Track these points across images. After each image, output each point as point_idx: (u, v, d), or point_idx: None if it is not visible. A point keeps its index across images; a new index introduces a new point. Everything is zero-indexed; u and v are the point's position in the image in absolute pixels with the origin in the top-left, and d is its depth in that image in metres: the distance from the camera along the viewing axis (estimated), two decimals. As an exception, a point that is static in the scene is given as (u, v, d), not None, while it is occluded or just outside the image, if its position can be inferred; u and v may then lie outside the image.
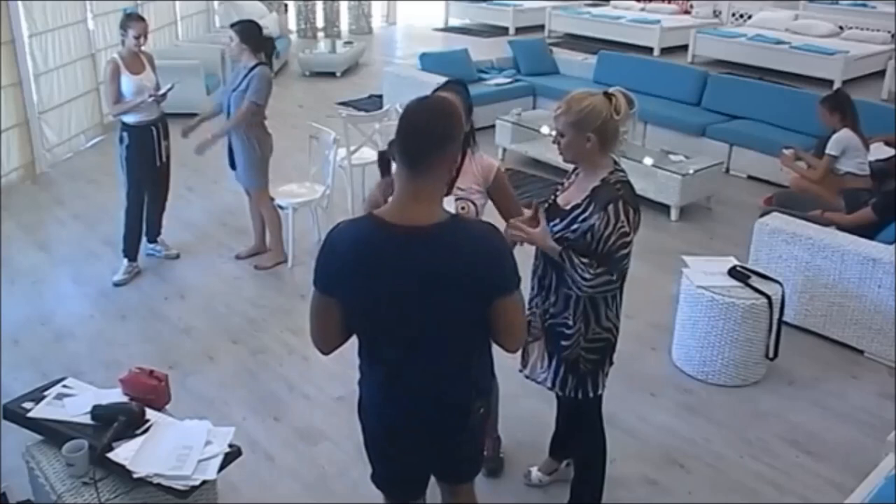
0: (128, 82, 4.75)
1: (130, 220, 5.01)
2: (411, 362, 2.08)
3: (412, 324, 2.02)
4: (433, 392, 2.12)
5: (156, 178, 5.08)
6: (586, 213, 2.52)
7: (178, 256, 5.34)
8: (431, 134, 1.96)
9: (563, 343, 2.67)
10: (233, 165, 5.11)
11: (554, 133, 2.64)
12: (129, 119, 4.84)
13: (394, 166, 2.40)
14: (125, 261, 5.04)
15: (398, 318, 2.01)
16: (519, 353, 2.85)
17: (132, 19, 4.81)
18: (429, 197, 2.00)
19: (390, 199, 2.06)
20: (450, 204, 2.67)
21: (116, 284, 4.96)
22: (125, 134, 4.87)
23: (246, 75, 4.78)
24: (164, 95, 4.85)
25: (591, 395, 2.78)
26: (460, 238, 2.00)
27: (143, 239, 5.22)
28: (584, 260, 2.50)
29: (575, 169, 2.74)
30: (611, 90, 2.56)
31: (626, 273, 2.63)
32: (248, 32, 4.80)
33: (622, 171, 2.60)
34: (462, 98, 2.81)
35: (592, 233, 2.50)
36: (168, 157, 5.08)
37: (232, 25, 4.96)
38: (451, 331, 2.04)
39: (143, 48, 4.86)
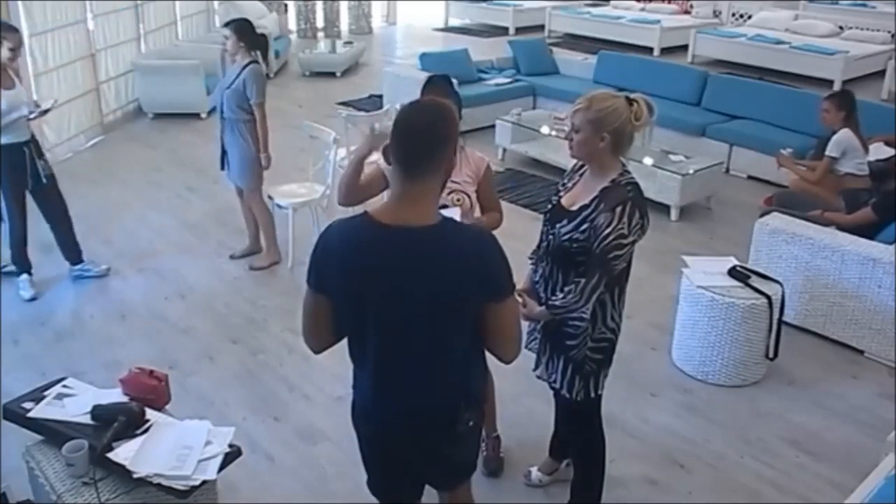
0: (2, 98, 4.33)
1: (13, 237, 4.70)
2: (400, 364, 2.07)
3: (401, 325, 2.01)
4: (422, 395, 2.11)
5: (41, 199, 4.72)
6: (595, 213, 2.52)
7: (108, 272, 5.03)
8: (428, 138, 1.96)
9: (569, 343, 2.67)
10: (222, 166, 5.11)
11: (567, 128, 2.64)
12: (2, 139, 4.39)
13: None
14: (24, 275, 4.76)
15: (388, 319, 2.01)
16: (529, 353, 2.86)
17: (5, 29, 4.32)
18: (423, 199, 2.00)
19: (385, 198, 2.06)
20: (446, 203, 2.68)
21: (26, 300, 4.69)
22: None
23: (238, 74, 4.78)
24: (44, 112, 4.51)
25: (591, 395, 2.79)
26: (453, 241, 1.99)
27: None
28: (568, 289, 2.58)
29: (577, 169, 2.74)
30: (633, 96, 2.56)
31: (623, 275, 2.63)
32: (244, 30, 4.83)
33: (630, 173, 2.60)
34: (452, 96, 2.84)
35: (594, 230, 2.50)
36: (51, 175, 4.67)
37: (226, 24, 4.98)
38: (441, 333, 2.03)
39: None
